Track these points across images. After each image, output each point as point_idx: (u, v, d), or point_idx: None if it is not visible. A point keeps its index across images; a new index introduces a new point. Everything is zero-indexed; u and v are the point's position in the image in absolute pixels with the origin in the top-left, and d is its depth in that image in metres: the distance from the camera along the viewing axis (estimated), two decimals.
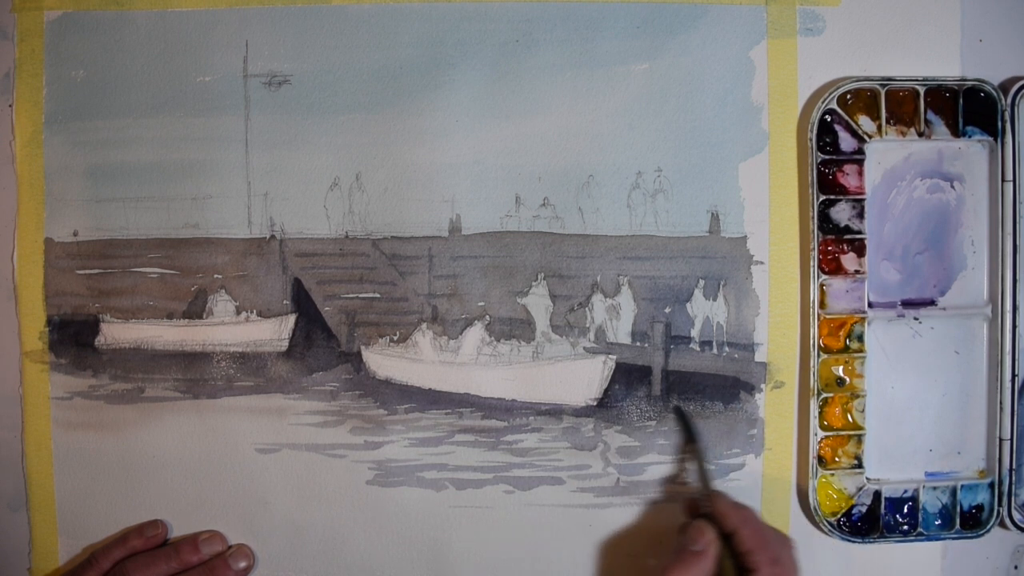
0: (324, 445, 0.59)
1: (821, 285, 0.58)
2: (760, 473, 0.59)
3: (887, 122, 0.58)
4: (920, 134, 0.58)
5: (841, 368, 0.59)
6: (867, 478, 0.59)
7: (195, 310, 0.59)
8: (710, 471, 0.57)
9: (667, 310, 0.59)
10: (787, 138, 0.59)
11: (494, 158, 0.59)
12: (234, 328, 0.59)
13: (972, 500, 0.59)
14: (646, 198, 0.59)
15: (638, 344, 0.60)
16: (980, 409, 0.59)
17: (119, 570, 0.56)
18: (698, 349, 0.59)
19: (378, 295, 0.59)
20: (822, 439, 0.59)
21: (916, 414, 0.60)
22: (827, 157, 0.58)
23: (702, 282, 0.59)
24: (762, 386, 0.59)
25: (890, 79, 0.58)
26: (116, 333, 0.59)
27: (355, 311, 0.59)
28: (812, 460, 0.58)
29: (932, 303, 0.60)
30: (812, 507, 0.58)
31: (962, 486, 0.59)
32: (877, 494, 0.59)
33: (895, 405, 0.60)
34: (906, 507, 0.59)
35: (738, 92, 0.59)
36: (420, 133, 0.59)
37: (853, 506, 0.59)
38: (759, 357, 0.59)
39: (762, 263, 0.59)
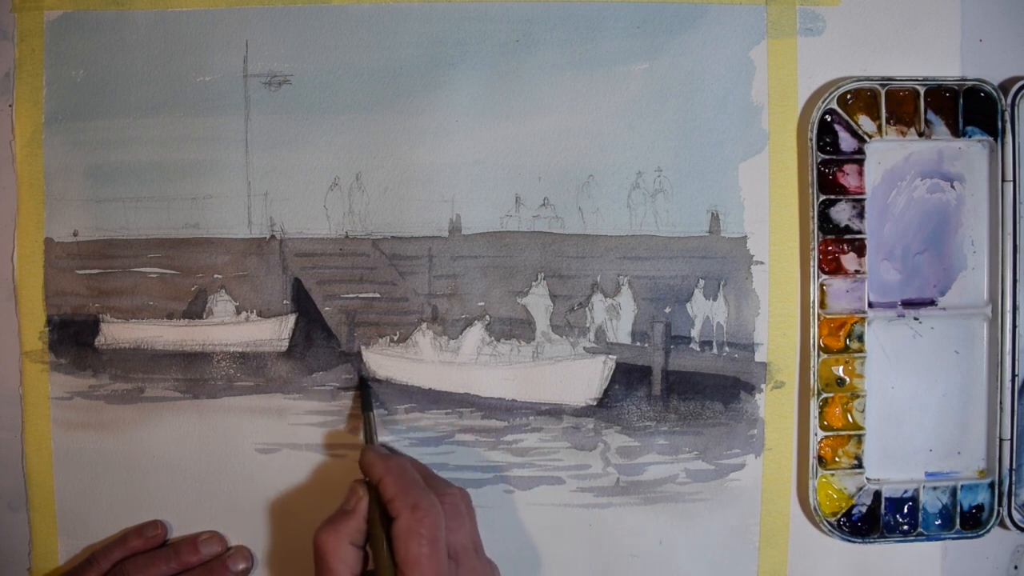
0: (324, 445, 0.59)
1: (821, 285, 0.58)
2: (760, 473, 0.59)
3: (887, 122, 0.58)
4: (920, 134, 0.58)
5: (841, 368, 0.59)
6: (867, 478, 0.59)
7: (195, 310, 0.59)
8: (375, 432, 0.57)
9: (667, 310, 0.59)
10: (787, 138, 0.59)
11: (494, 158, 0.59)
12: (234, 328, 0.59)
13: (972, 500, 0.59)
14: (646, 198, 0.59)
15: (638, 344, 0.60)
16: (980, 409, 0.59)
17: (119, 571, 0.56)
18: (698, 349, 0.59)
19: (378, 295, 0.59)
20: (822, 439, 0.59)
21: (916, 414, 0.60)
22: (827, 157, 0.58)
23: (702, 282, 0.59)
24: (762, 386, 0.59)
25: (890, 79, 0.58)
26: (116, 333, 0.59)
27: (355, 311, 0.59)
28: (812, 460, 0.58)
29: (932, 303, 0.60)
30: (812, 507, 0.58)
31: (962, 486, 0.59)
32: (877, 494, 0.59)
33: (895, 405, 0.60)
34: (906, 507, 0.59)
35: (738, 92, 0.59)
36: (420, 133, 0.59)
37: (853, 506, 0.59)
38: (759, 357, 0.59)
39: (762, 263, 0.59)
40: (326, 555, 0.49)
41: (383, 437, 0.59)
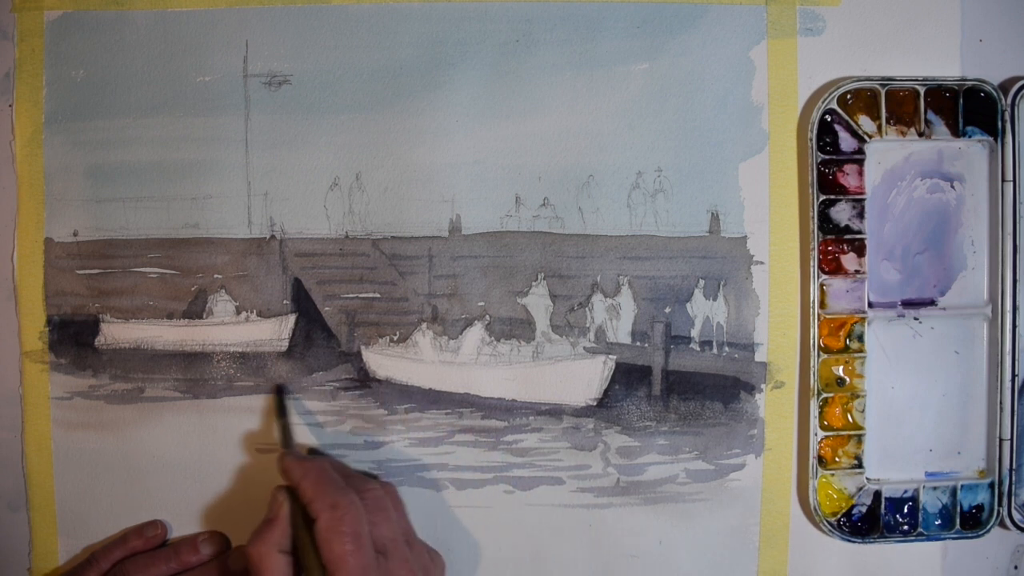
0: (324, 445, 0.59)
1: (821, 285, 0.58)
2: (760, 473, 0.59)
3: (887, 122, 0.58)
4: (920, 134, 0.58)
5: (841, 368, 0.59)
6: (867, 478, 0.59)
7: (195, 310, 0.59)
8: (291, 437, 0.57)
9: (667, 310, 0.59)
10: (787, 138, 0.59)
11: (494, 158, 0.59)
12: (234, 328, 0.59)
13: (972, 500, 0.59)
14: (646, 198, 0.59)
15: (638, 344, 0.60)
16: (980, 409, 0.59)
17: (119, 570, 0.56)
18: (698, 349, 0.59)
19: (378, 295, 0.59)
20: (822, 439, 0.59)
21: (916, 414, 0.60)
22: (827, 157, 0.58)
23: (702, 282, 0.59)
24: (762, 386, 0.59)
25: (890, 79, 0.58)
26: (116, 333, 0.59)
27: (355, 311, 0.59)
28: (812, 460, 0.58)
29: (932, 303, 0.60)
30: (812, 507, 0.58)
31: (962, 486, 0.59)
32: (877, 494, 0.59)
33: (895, 405, 0.60)
34: (906, 507, 0.59)
35: (738, 92, 0.59)
36: (420, 133, 0.59)
37: (853, 506, 0.59)
38: (759, 357, 0.59)
39: (762, 263, 0.59)
40: (258, 566, 0.49)
41: (381, 436, 0.59)
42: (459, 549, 0.59)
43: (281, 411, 0.58)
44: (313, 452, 0.59)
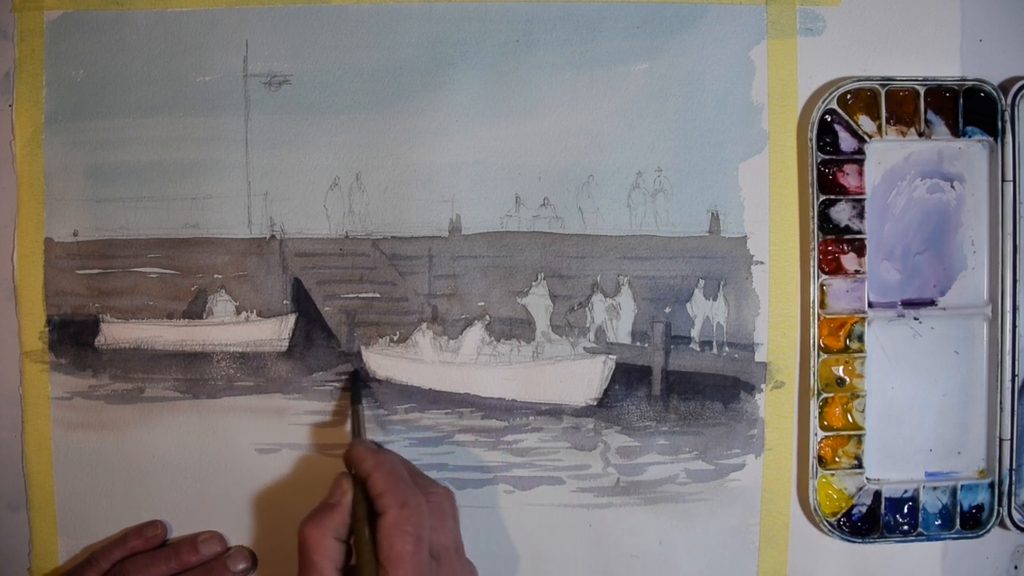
0: (324, 445, 0.59)
1: (821, 285, 0.58)
2: (760, 473, 0.59)
3: (887, 122, 0.58)
4: (920, 134, 0.58)
5: (841, 368, 0.59)
6: (867, 478, 0.59)
7: (195, 310, 0.59)
8: (363, 426, 0.57)
9: (667, 310, 0.59)
10: (787, 138, 0.59)
11: (494, 158, 0.59)
12: (234, 328, 0.59)
13: (972, 500, 0.59)
14: (646, 198, 0.59)
15: (638, 344, 0.60)
16: (980, 409, 0.59)
17: (118, 570, 0.56)
18: (698, 349, 0.59)
19: (378, 295, 0.59)
20: (822, 439, 0.59)
21: (916, 414, 0.60)
22: (827, 157, 0.58)
23: (702, 282, 0.59)
24: (762, 386, 0.59)
25: (890, 79, 0.58)
26: (116, 333, 0.59)
27: (355, 311, 0.59)
28: (812, 460, 0.58)
29: (932, 303, 0.60)
30: (812, 507, 0.58)
31: (962, 486, 0.59)
32: (877, 494, 0.59)
33: (895, 405, 0.60)
34: (906, 507, 0.59)
35: (738, 92, 0.59)
36: (420, 133, 0.59)
37: (853, 506, 0.59)
38: (759, 357, 0.59)
39: (762, 263, 0.59)
40: (310, 549, 0.49)
41: (380, 437, 0.59)
42: None
43: (356, 398, 0.58)
44: (377, 446, 0.59)
